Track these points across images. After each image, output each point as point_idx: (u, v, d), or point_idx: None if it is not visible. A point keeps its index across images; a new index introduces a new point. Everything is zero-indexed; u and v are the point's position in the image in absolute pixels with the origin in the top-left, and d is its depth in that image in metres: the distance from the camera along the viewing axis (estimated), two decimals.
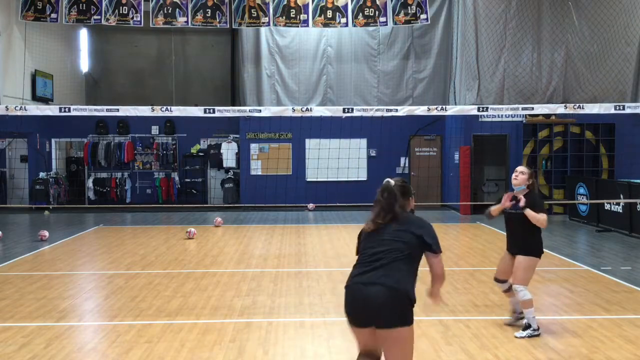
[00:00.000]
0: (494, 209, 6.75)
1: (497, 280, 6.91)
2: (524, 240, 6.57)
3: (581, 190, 15.91)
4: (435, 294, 4.59)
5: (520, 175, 6.60)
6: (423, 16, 17.30)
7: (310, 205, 19.02)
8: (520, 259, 6.56)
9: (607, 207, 14.55)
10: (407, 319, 4.11)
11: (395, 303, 4.07)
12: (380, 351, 4.28)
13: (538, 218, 6.40)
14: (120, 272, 9.99)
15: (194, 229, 13.70)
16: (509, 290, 6.84)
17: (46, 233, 13.31)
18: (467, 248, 11.98)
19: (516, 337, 6.47)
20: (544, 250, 11.85)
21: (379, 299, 4.05)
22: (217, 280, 9.30)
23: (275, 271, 10.00)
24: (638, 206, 13.19)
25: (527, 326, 6.57)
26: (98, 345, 6.36)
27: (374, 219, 4.35)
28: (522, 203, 6.42)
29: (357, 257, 4.39)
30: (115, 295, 8.40)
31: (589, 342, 6.34)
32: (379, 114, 12.30)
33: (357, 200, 18.22)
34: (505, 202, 6.55)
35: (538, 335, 6.50)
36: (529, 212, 6.41)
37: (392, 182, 4.45)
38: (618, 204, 14.00)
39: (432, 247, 4.38)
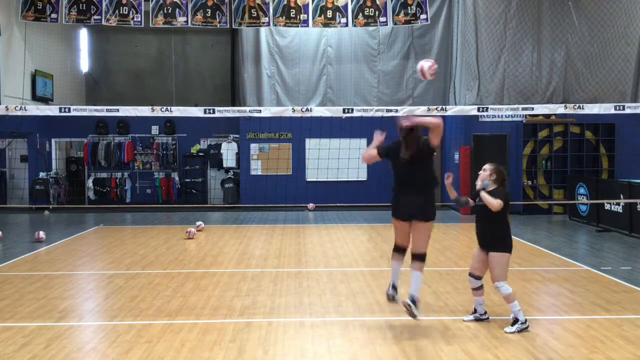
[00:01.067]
0: (450, 189, 7.03)
1: (471, 275, 6.92)
2: (492, 236, 6.64)
3: (581, 190, 15.91)
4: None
5: (482, 172, 6.84)
6: (423, 16, 17.30)
7: (311, 205, 19.02)
8: (492, 256, 6.63)
9: (607, 207, 14.55)
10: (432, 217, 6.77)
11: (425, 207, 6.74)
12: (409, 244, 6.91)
13: (489, 199, 6.53)
14: (120, 272, 9.99)
15: (194, 229, 13.71)
16: (478, 289, 6.88)
17: (43, 234, 13.15)
18: (467, 248, 11.99)
19: (506, 332, 6.53)
20: (544, 250, 11.91)
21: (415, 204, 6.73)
22: (217, 280, 9.30)
23: (275, 271, 10.00)
24: (638, 206, 13.19)
25: (515, 320, 6.61)
26: (98, 345, 6.36)
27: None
28: (478, 186, 6.74)
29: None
30: (115, 295, 8.40)
31: (589, 342, 6.34)
32: (379, 114, 12.29)
33: (357, 200, 18.25)
34: (448, 183, 6.89)
35: (527, 328, 6.56)
36: (482, 194, 6.60)
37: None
38: (618, 204, 14.00)
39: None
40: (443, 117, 18.53)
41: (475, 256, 6.90)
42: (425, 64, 7.60)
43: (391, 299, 7.03)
